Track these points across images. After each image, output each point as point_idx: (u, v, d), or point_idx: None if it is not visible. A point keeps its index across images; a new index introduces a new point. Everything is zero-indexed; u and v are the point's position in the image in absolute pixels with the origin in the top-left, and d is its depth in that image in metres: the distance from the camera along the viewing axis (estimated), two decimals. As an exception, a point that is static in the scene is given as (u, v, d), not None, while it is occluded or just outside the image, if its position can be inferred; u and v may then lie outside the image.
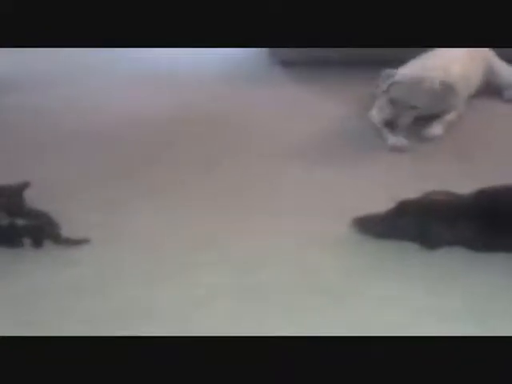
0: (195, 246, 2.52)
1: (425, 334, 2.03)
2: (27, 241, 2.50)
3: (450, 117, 3.40)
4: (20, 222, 2.50)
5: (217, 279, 2.35)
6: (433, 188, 2.57)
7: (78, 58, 4.27)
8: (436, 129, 3.33)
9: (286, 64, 4.13)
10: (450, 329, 2.10)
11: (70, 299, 2.27)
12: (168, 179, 2.98)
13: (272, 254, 2.47)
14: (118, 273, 2.39)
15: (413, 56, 3.53)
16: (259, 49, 4.31)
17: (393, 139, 3.23)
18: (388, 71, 3.38)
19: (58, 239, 2.50)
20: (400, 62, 3.49)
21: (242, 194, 2.86)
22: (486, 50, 3.67)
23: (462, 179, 2.77)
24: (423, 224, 2.44)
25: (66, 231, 2.52)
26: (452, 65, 3.46)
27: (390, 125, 3.26)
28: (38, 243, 2.49)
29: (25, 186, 2.64)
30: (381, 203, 2.52)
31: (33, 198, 2.62)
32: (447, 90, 3.34)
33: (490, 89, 3.68)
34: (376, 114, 3.40)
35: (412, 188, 2.58)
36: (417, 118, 3.33)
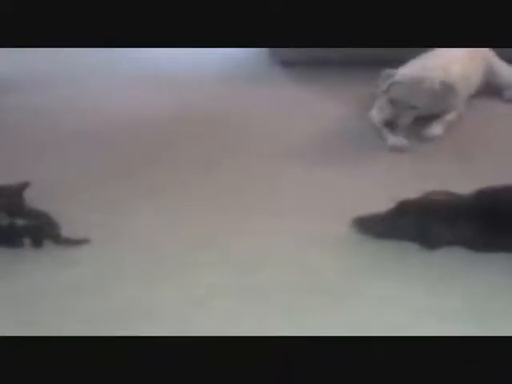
0: (195, 246, 2.52)
1: (425, 334, 2.03)
2: (27, 241, 2.50)
3: (450, 117, 3.40)
4: (20, 222, 2.50)
5: (217, 279, 2.35)
6: (433, 188, 2.57)
7: (78, 57, 4.27)
8: (436, 129, 3.33)
9: (286, 64, 4.13)
10: (450, 329, 2.10)
11: (70, 299, 2.27)
12: (168, 179, 2.98)
13: (272, 254, 2.47)
14: (117, 273, 2.39)
15: (413, 56, 3.53)
16: (259, 49, 4.31)
17: (393, 139, 3.23)
18: (388, 71, 3.38)
19: (58, 239, 2.50)
20: (400, 61, 3.49)
21: (241, 194, 2.86)
22: (486, 50, 3.67)
23: (462, 179, 2.77)
24: (423, 224, 2.44)
25: (65, 231, 2.52)
26: (452, 65, 3.46)
27: (390, 125, 3.26)
28: (37, 243, 2.49)
29: (25, 185, 2.64)
30: (381, 203, 2.52)
31: (33, 198, 2.62)
32: (447, 89, 3.34)
33: (490, 89, 3.68)
34: (376, 114, 3.40)
35: (412, 188, 2.58)
36: (417, 117, 3.33)
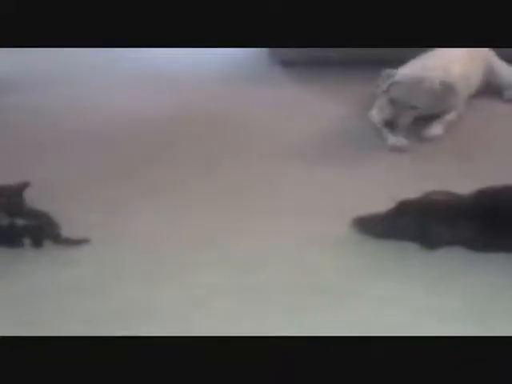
0: (195, 246, 2.52)
1: (425, 334, 2.03)
2: (27, 241, 2.50)
3: (450, 117, 3.40)
4: (20, 222, 2.50)
5: (217, 279, 2.35)
6: (433, 188, 2.57)
7: (78, 57, 4.27)
8: (436, 129, 3.33)
9: (286, 64, 4.13)
10: (450, 329, 2.10)
11: (70, 299, 2.27)
12: (168, 179, 2.98)
13: (272, 254, 2.47)
14: (117, 273, 2.39)
15: (413, 56, 3.53)
16: (259, 49, 4.31)
17: (393, 139, 3.23)
18: (388, 71, 3.38)
19: (58, 239, 2.50)
20: (400, 61, 3.49)
21: (242, 194, 2.86)
22: (486, 50, 3.67)
23: (462, 179, 2.77)
24: (423, 224, 2.44)
25: (65, 231, 2.52)
26: (452, 65, 3.46)
27: (390, 125, 3.26)
28: (37, 243, 2.49)
29: (25, 185, 2.64)
30: (381, 203, 2.52)
31: (33, 198, 2.62)
32: (447, 89, 3.34)
33: (490, 89, 3.68)
34: (376, 114, 3.40)
35: (412, 188, 2.58)
36: (417, 117, 3.33)
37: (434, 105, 3.34)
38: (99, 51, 4.04)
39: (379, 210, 2.52)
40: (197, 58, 4.30)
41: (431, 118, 3.37)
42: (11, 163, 3.09)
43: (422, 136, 3.30)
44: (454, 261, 2.41)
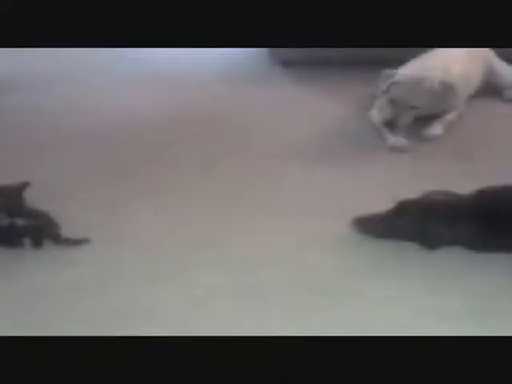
0: (195, 246, 2.52)
1: (425, 334, 2.03)
2: (27, 241, 2.50)
3: (450, 117, 3.40)
4: (20, 222, 2.50)
5: (217, 279, 2.35)
6: (433, 188, 2.57)
7: (78, 57, 4.27)
8: (436, 129, 3.33)
9: (286, 64, 4.13)
10: (450, 329, 2.10)
11: (70, 299, 2.27)
12: (168, 179, 2.98)
13: (272, 254, 2.47)
14: (117, 273, 2.39)
15: (413, 56, 3.53)
16: (259, 49, 4.31)
17: (393, 139, 3.23)
18: (388, 71, 3.38)
19: (58, 239, 2.50)
20: (400, 61, 3.49)
21: (242, 194, 2.86)
22: (486, 50, 3.67)
23: (462, 179, 2.77)
24: (423, 224, 2.44)
25: (66, 231, 2.52)
26: (452, 65, 3.46)
27: (390, 125, 3.26)
28: (37, 243, 2.49)
29: (25, 185, 2.64)
30: (381, 203, 2.52)
31: (33, 198, 2.62)
32: (447, 90, 3.34)
33: (490, 89, 3.68)
34: (376, 114, 3.40)
35: (412, 188, 2.58)
36: (417, 118, 3.33)
37: (434, 105, 3.34)
38: (99, 51, 4.04)
39: (379, 210, 2.52)
40: (197, 58, 4.30)
41: (431, 117, 3.37)
42: (11, 163, 3.10)
43: (422, 136, 3.30)
44: (453, 261, 2.41)
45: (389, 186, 2.79)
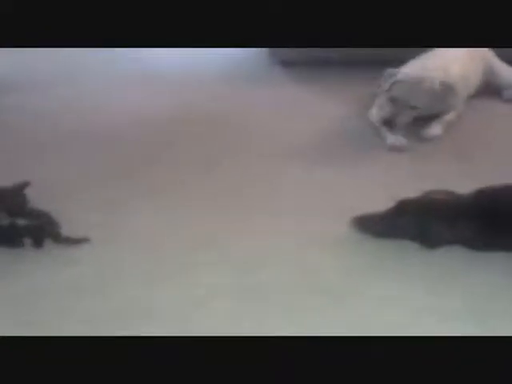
0: (195, 246, 2.52)
1: (425, 334, 2.04)
2: (28, 241, 2.50)
3: (450, 117, 3.40)
4: (21, 222, 2.50)
5: (217, 279, 2.35)
6: (432, 188, 2.57)
7: (77, 57, 4.26)
8: (435, 129, 3.33)
9: (286, 64, 4.13)
10: (450, 329, 2.10)
11: (69, 299, 2.27)
12: (168, 179, 2.98)
13: (272, 254, 2.47)
14: (117, 273, 2.39)
15: (413, 56, 3.53)
16: (259, 49, 4.31)
17: (391, 138, 3.23)
18: (390, 70, 3.37)
19: (58, 238, 2.50)
20: (400, 62, 3.49)
21: (242, 194, 2.86)
22: (486, 50, 3.67)
23: (462, 179, 2.77)
24: (423, 223, 2.45)
25: (66, 231, 2.53)
26: (452, 65, 3.46)
27: (389, 123, 3.26)
28: (38, 243, 2.49)
29: (25, 185, 2.64)
30: (380, 203, 2.52)
31: (33, 198, 2.62)
32: (447, 90, 3.34)
33: (489, 89, 3.68)
34: (375, 113, 3.40)
35: (411, 188, 2.58)
36: (416, 117, 3.33)
37: (434, 105, 3.34)
38: (99, 51, 4.04)
39: (379, 210, 2.52)
40: (197, 58, 4.29)
41: (430, 118, 3.37)
42: (11, 163, 3.10)
43: (422, 136, 3.30)
44: (453, 260, 2.42)
45: (388, 186, 2.79)
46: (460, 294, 2.25)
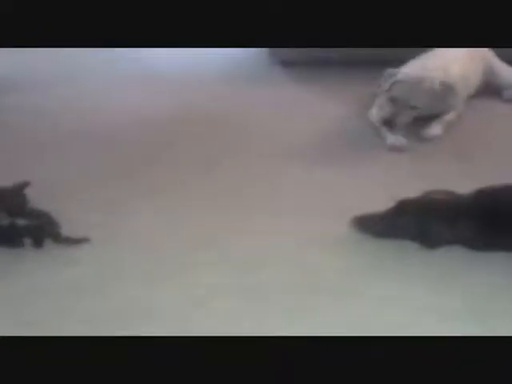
0: (195, 246, 2.52)
1: (425, 334, 2.04)
2: (28, 241, 2.50)
3: (450, 117, 3.40)
4: (21, 222, 2.50)
5: (217, 279, 2.35)
6: (432, 188, 2.57)
7: (77, 57, 4.26)
8: (435, 129, 3.33)
9: (286, 64, 4.13)
10: (450, 329, 2.10)
11: (69, 299, 2.27)
12: (168, 179, 2.98)
13: (272, 254, 2.47)
14: (117, 273, 2.39)
15: (413, 56, 3.53)
16: (259, 49, 4.31)
17: (391, 138, 3.23)
18: (390, 70, 3.38)
19: (58, 238, 2.50)
20: (400, 62, 3.49)
21: (242, 194, 2.86)
22: (486, 50, 3.67)
23: (462, 179, 2.77)
24: (423, 223, 2.45)
25: (66, 231, 2.52)
26: (452, 65, 3.46)
27: (389, 123, 3.26)
28: (38, 243, 2.49)
29: (25, 185, 2.64)
30: (381, 203, 2.52)
31: (33, 198, 2.62)
32: (447, 90, 3.34)
33: (489, 89, 3.68)
34: (375, 113, 3.40)
35: (411, 188, 2.58)
36: (416, 118, 3.33)
37: (434, 105, 3.34)
38: (99, 51, 4.04)
39: (379, 210, 2.52)
40: (197, 58, 4.29)
41: (430, 118, 3.37)
42: (11, 163, 3.09)
43: (422, 136, 3.30)
44: (453, 260, 2.42)
45: (388, 186, 2.79)
46: (460, 294, 2.25)
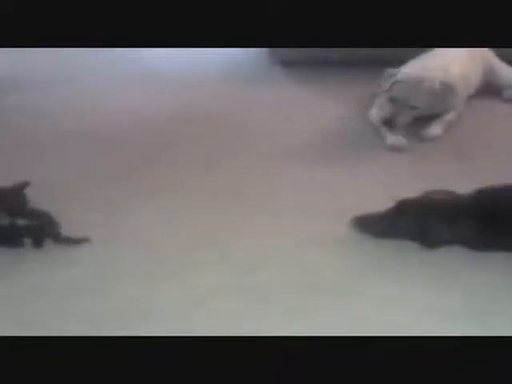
0: (195, 246, 2.52)
1: (425, 334, 2.04)
2: (28, 241, 2.50)
3: (450, 117, 3.40)
4: (21, 222, 2.50)
5: (217, 279, 2.35)
6: (432, 188, 2.57)
7: (77, 57, 4.26)
8: (435, 129, 3.33)
9: (286, 64, 4.13)
10: (450, 329, 2.10)
11: (70, 299, 2.27)
12: (168, 179, 2.98)
13: (272, 254, 2.47)
14: (117, 273, 2.39)
15: (413, 56, 3.53)
16: (259, 49, 4.31)
17: (391, 138, 3.23)
18: (390, 70, 3.38)
19: (58, 238, 2.50)
20: (400, 62, 3.49)
21: (242, 194, 2.86)
22: (486, 50, 3.67)
23: (462, 179, 2.77)
24: (423, 223, 2.45)
25: (66, 231, 2.52)
26: (452, 65, 3.46)
27: (389, 123, 3.26)
28: (38, 243, 2.49)
29: (25, 185, 2.64)
30: (381, 203, 2.52)
31: (33, 198, 2.62)
32: (447, 90, 3.34)
33: (489, 89, 3.68)
34: (375, 113, 3.40)
35: (411, 188, 2.58)
36: (416, 118, 3.33)
37: (434, 105, 3.34)
38: (99, 51, 4.04)
39: (379, 210, 2.52)
40: (197, 58, 4.29)
41: (430, 118, 3.37)
42: (11, 163, 3.10)
43: (422, 136, 3.30)
44: (454, 260, 2.42)
45: (388, 186, 2.79)
46: (460, 294, 2.25)
